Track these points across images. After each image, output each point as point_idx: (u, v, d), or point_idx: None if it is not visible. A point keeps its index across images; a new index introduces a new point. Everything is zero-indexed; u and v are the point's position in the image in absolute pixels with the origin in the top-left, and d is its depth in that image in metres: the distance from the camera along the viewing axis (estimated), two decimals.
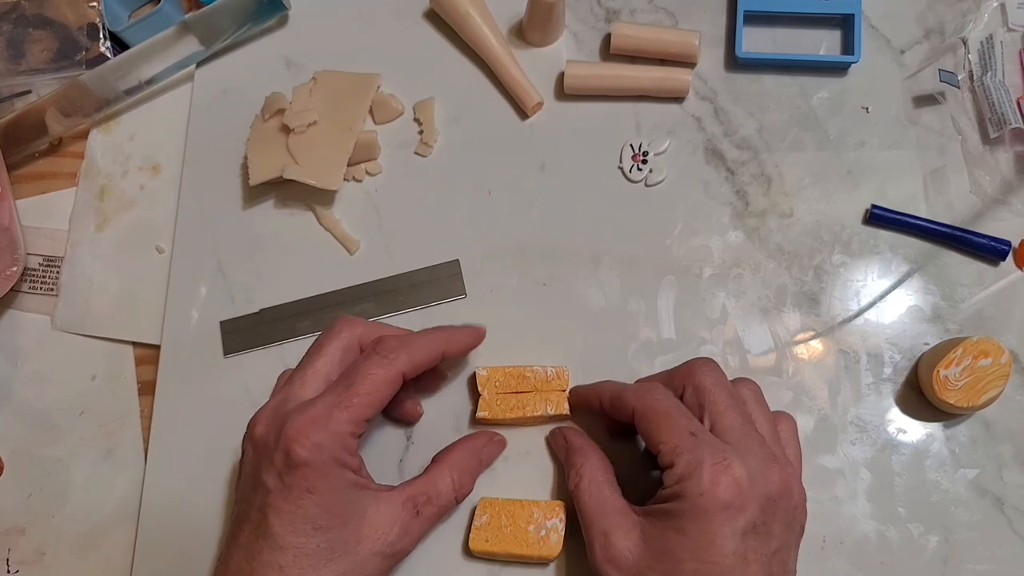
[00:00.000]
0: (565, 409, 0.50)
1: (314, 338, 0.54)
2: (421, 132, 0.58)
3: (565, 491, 0.48)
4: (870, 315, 0.51)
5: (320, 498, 0.40)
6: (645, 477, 0.48)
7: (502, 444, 0.50)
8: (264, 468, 0.41)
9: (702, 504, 0.38)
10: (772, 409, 0.45)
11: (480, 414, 0.50)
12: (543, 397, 0.50)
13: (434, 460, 0.49)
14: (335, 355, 0.44)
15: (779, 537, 0.39)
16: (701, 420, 0.42)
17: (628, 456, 0.49)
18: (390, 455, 0.51)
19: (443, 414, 0.52)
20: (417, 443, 0.52)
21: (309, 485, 0.40)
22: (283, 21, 0.62)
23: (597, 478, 0.44)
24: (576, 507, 0.44)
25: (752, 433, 0.41)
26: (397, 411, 0.51)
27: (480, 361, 0.52)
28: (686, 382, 0.43)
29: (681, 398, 0.43)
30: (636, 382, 0.48)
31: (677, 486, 0.39)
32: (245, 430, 0.44)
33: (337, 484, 0.41)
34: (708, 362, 0.44)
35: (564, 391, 0.50)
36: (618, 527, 0.41)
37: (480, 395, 0.50)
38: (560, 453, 0.49)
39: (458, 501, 0.47)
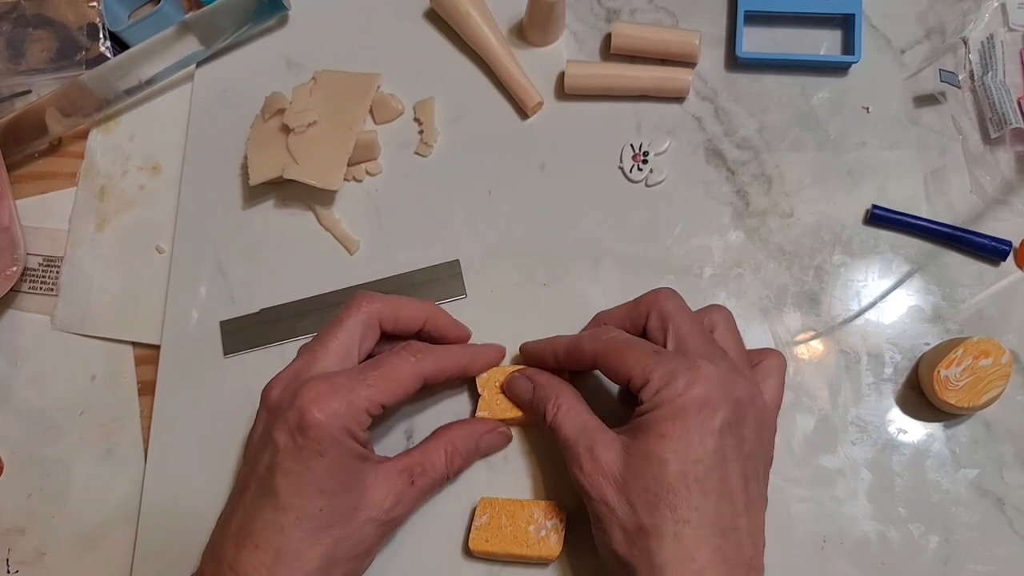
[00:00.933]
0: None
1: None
2: (421, 132, 0.58)
3: (565, 491, 0.48)
4: (871, 315, 0.51)
5: (328, 462, 0.41)
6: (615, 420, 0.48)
7: (505, 437, 0.50)
8: (277, 427, 0.42)
9: (681, 404, 0.39)
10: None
11: (480, 414, 0.50)
12: None
13: (433, 433, 0.49)
14: (354, 330, 0.45)
15: (750, 441, 0.41)
16: (665, 344, 0.43)
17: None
18: (391, 454, 0.51)
19: (443, 414, 0.52)
20: (416, 442, 0.51)
21: (320, 448, 0.41)
22: (283, 21, 0.62)
23: (575, 406, 0.45)
24: (556, 437, 0.44)
25: (716, 349, 0.43)
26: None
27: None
28: (650, 309, 0.45)
29: (644, 327, 0.45)
30: (588, 326, 0.50)
31: (656, 396, 0.40)
32: (260, 396, 0.45)
33: (345, 452, 0.42)
34: (669, 290, 0.45)
35: None
36: (600, 442, 0.42)
37: (480, 395, 0.50)
38: (525, 395, 0.48)
39: (449, 477, 0.47)
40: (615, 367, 0.43)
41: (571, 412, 0.44)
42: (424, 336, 0.49)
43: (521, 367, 0.50)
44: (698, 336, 0.43)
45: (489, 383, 0.50)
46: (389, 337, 0.48)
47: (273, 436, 0.42)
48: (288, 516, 0.41)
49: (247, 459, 0.44)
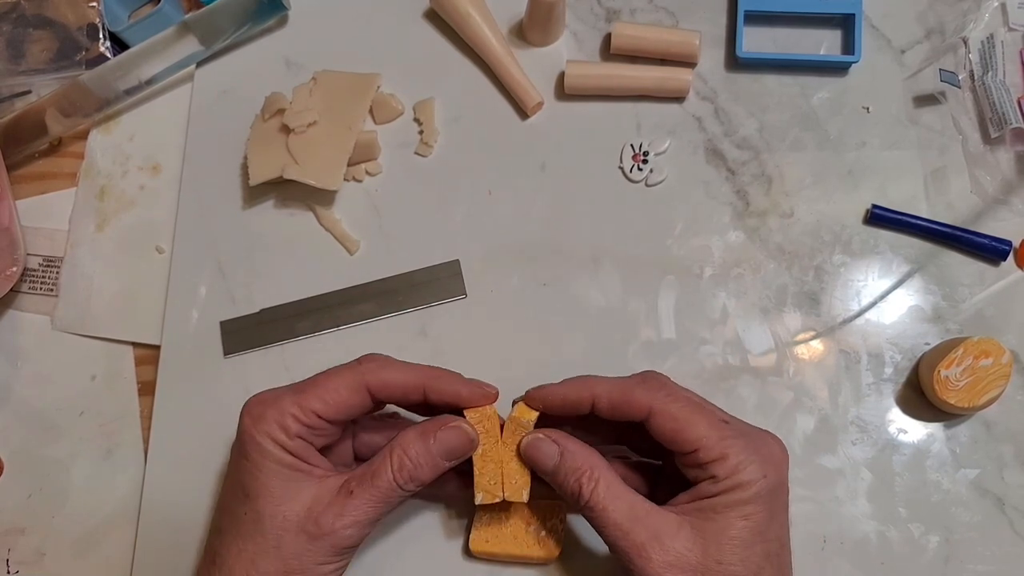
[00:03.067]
0: (528, 416, 0.44)
1: (313, 338, 0.55)
2: (421, 132, 0.58)
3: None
4: (871, 315, 0.51)
5: (252, 466, 0.41)
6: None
7: (461, 433, 0.42)
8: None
9: (765, 486, 0.39)
10: (777, 410, 0.45)
11: (476, 496, 0.44)
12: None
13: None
14: (342, 378, 0.43)
15: None
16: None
17: None
18: None
19: None
20: None
21: (245, 452, 0.42)
22: (283, 21, 0.62)
23: (615, 482, 0.40)
24: (598, 519, 0.40)
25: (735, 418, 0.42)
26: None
27: (479, 365, 0.51)
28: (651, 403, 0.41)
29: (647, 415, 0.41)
30: (616, 380, 0.43)
31: (736, 476, 0.38)
32: None
33: (269, 457, 0.41)
34: (658, 375, 0.43)
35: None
36: (663, 527, 0.39)
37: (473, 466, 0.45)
38: (549, 461, 0.42)
39: (400, 486, 0.41)
40: (679, 432, 0.40)
41: (613, 490, 0.40)
42: (434, 405, 0.44)
43: (531, 429, 0.43)
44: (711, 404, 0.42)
45: (485, 454, 0.44)
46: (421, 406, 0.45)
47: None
48: (224, 519, 0.42)
49: None
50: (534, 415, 0.44)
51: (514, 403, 0.45)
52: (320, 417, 0.42)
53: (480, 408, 0.44)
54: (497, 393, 0.44)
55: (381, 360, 0.44)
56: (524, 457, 0.43)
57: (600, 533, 0.40)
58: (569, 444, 0.42)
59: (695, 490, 0.40)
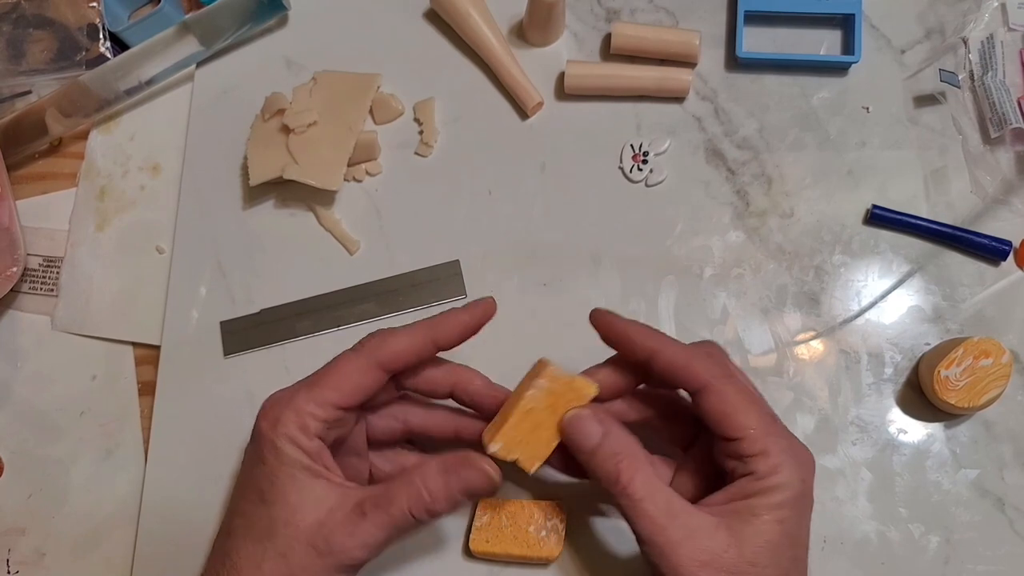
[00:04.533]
0: (588, 390, 0.42)
1: (314, 338, 0.55)
2: (421, 132, 0.58)
3: (565, 491, 0.48)
4: (871, 315, 0.51)
5: (268, 469, 0.40)
6: None
7: (484, 475, 0.41)
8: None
9: (800, 491, 0.38)
10: (777, 410, 0.45)
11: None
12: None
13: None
14: (351, 361, 0.43)
15: None
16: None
17: None
18: None
19: None
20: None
21: (261, 456, 0.41)
22: (283, 21, 0.62)
23: (652, 475, 0.40)
24: (631, 507, 0.39)
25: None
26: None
27: (480, 363, 0.50)
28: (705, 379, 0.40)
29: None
30: (680, 344, 0.42)
31: (773, 477, 0.38)
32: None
33: (286, 460, 0.40)
34: (715, 347, 0.43)
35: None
36: (699, 526, 0.38)
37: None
38: (590, 441, 0.41)
39: (415, 517, 0.40)
40: (729, 416, 0.39)
41: (651, 482, 0.39)
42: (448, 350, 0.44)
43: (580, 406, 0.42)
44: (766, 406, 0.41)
45: (532, 411, 0.41)
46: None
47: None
48: (234, 521, 0.41)
49: None
50: (593, 390, 0.42)
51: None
52: (338, 407, 0.41)
53: (549, 368, 0.42)
54: (493, 301, 0.44)
55: (381, 335, 0.43)
56: (564, 431, 0.41)
57: (632, 523, 0.39)
58: (614, 427, 0.41)
59: (731, 489, 0.39)
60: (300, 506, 0.40)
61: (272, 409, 0.41)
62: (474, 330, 0.44)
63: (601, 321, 0.44)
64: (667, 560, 0.37)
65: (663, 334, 0.42)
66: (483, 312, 0.44)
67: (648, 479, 0.39)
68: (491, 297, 0.44)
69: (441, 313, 0.44)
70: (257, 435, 0.42)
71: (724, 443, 0.40)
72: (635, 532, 0.39)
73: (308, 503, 0.40)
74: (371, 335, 0.44)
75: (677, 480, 0.44)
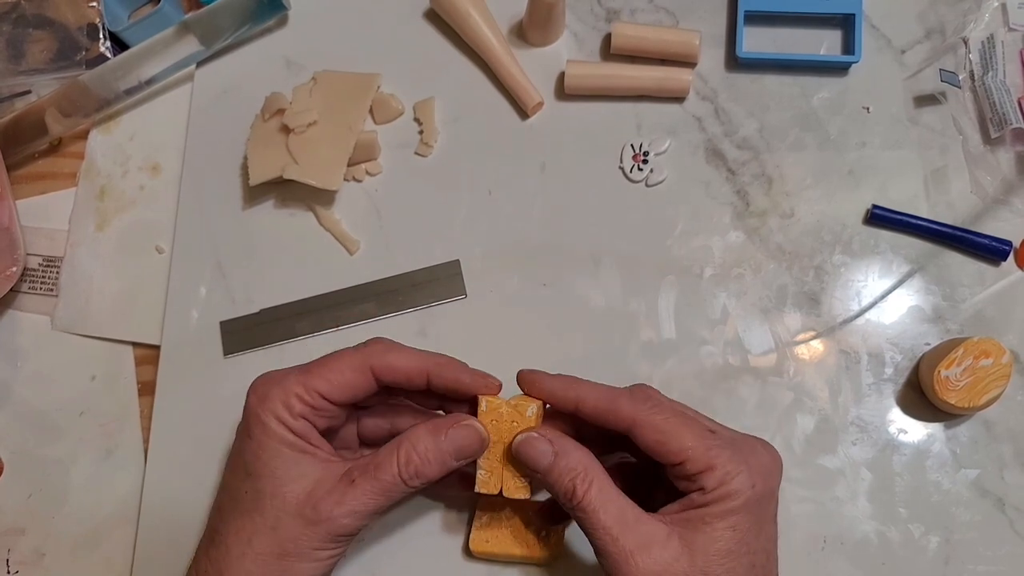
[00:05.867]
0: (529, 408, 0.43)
1: (313, 338, 0.55)
2: (421, 132, 0.58)
3: None
4: (871, 315, 0.51)
5: (255, 444, 0.41)
6: None
7: (473, 432, 0.42)
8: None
9: (752, 497, 0.38)
10: (777, 411, 0.45)
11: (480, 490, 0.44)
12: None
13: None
14: (346, 359, 0.43)
15: None
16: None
17: None
18: None
19: None
20: None
21: (249, 431, 0.42)
22: (283, 21, 0.62)
23: (608, 486, 0.40)
24: (587, 521, 0.39)
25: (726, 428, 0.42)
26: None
27: (479, 365, 0.50)
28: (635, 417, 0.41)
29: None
30: (605, 388, 0.42)
31: (724, 487, 0.38)
32: None
33: (273, 436, 0.41)
34: (645, 386, 0.43)
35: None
36: (652, 536, 0.38)
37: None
38: (542, 460, 0.41)
39: (405, 482, 0.40)
40: (663, 444, 0.39)
41: (605, 493, 0.39)
42: (436, 392, 0.44)
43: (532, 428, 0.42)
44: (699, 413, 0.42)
45: (493, 445, 0.43)
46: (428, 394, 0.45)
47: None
48: (223, 496, 0.43)
49: None
50: (535, 406, 0.42)
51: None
52: (324, 398, 0.42)
53: (493, 399, 0.43)
54: (500, 385, 0.44)
55: (387, 343, 0.44)
56: (517, 455, 0.42)
57: (589, 535, 0.40)
58: (565, 444, 0.41)
59: (684, 500, 0.40)
60: (287, 479, 0.41)
61: (262, 386, 0.42)
62: (464, 395, 0.44)
63: (525, 381, 0.44)
64: (620, 569, 0.38)
65: (586, 382, 0.42)
66: (484, 386, 0.43)
67: (602, 490, 0.39)
68: (499, 382, 0.44)
69: (450, 358, 0.44)
70: (245, 410, 0.43)
71: (670, 469, 0.40)
72: (592, 544, 0.40)
73: (295, 476, 0.41)
74: (378, 341, 0.44)
75: (656, 493, 0.43)
